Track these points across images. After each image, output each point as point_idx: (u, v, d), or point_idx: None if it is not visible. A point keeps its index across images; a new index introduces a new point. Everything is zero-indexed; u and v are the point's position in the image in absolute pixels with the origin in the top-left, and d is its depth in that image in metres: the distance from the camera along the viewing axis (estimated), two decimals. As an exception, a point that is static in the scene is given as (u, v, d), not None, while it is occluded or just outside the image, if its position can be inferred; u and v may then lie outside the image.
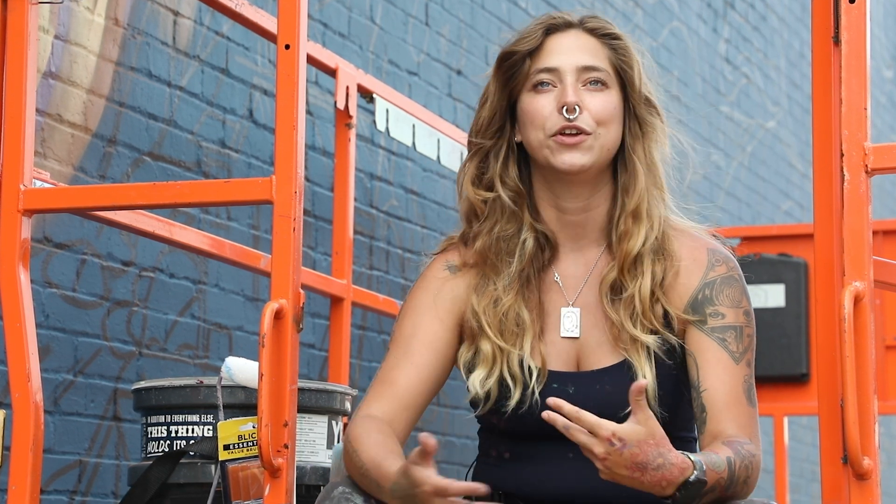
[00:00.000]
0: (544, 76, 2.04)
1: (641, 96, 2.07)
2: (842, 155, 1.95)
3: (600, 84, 2.04)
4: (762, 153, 7.22)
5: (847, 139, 1.95)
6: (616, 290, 2.03)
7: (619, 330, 2.01)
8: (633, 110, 2.07)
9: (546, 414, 1.76)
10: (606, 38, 2.07)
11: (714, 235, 2.13)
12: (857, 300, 1.90)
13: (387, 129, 3.56)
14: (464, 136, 3.99)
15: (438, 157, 3.84)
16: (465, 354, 2.06)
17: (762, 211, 7.11)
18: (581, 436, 1.76)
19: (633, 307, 2.01)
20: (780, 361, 4.49)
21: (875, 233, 2.05)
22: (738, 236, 4.68)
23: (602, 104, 2.03)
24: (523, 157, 2.10)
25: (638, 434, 1.76)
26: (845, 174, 1.95)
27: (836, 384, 1.95)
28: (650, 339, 2.00)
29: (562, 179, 2.05)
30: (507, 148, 2.09)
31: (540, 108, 2.03)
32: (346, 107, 3.34)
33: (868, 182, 1.95)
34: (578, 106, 2.01)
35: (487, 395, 2.01)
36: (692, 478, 1.81)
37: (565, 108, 2.00)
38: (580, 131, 2.01)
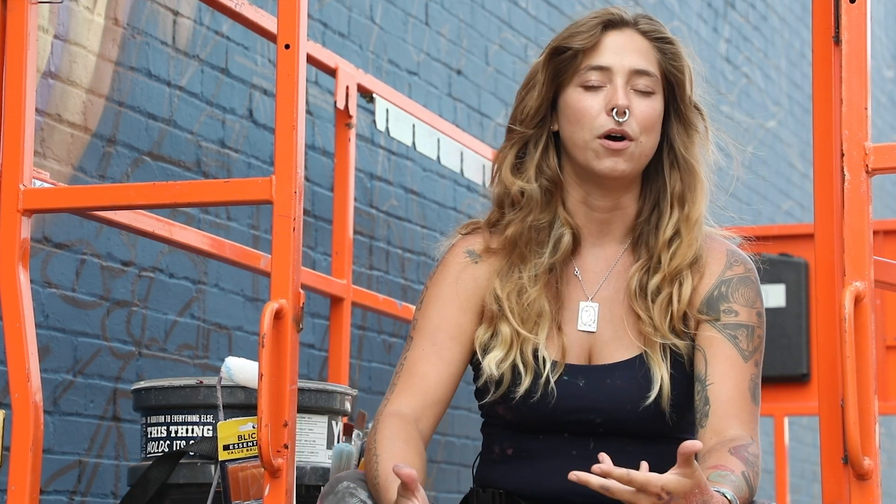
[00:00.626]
0: (595, 75, 2.02)
1: (691, 101, 2.07)
2: (842, 155, 1.95)
3: (648, 90, 2.03)
4: (763, 153, 7.22)
5: (847, 139, 1.95)
6: (645, 290, 2.03)
7: (645, 325, 2.01)
8: (683, 115, 2.07)
9: (574, 474, 1.73)
10: (659, 41, 2.06)
11: (734, 236, 2.14)
12: (857, 300, 1.90)
13: (387, 128, 3.55)
14: (464, 136, 4.00)
15: (438, 157, 3.84)
16: (482, 336, 2.05)
17: (763, 211, 7.11)
18: (628, 494, 1.74)
19: (671, 311, 2.01)
20: (780, 361, 4.49)
21: (876, 233, 2.04)
22: (739, 236, 4.67)
23: (648, 111, 2.02)
24: (558, 147, 2.09)
25: (685, 486, 1.75)
26: (846, 174, 1.94)
27: (837, 384, 1.95)
28: (682, 344, 2.01)
29: (595, 180, 2.05)
30: (546, 138, 2.08)
31: (588, 108, 2.02)
32: (346, 106, 3.34)
33: (869, 182, 1.94)
34: (628, 110, 2.00)
35: (500, 379, 2.01)
36: None
37: (615, 110, 2.00)
38: (625, 136, 2.01)
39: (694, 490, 1.76)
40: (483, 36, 4.73)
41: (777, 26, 7.58)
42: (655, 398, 1.98)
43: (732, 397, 1.98)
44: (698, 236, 2.06)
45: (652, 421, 1.98)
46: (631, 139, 2.01)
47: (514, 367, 2.01)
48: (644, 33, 2.06)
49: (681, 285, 2.03)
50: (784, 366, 4.51)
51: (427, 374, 2.02)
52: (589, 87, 2.03)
